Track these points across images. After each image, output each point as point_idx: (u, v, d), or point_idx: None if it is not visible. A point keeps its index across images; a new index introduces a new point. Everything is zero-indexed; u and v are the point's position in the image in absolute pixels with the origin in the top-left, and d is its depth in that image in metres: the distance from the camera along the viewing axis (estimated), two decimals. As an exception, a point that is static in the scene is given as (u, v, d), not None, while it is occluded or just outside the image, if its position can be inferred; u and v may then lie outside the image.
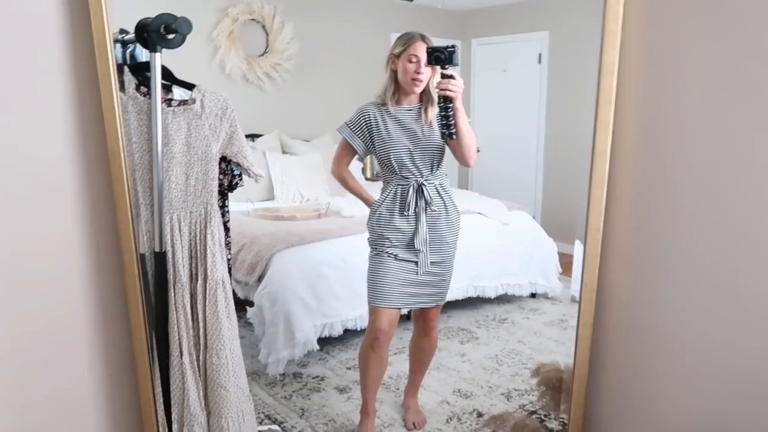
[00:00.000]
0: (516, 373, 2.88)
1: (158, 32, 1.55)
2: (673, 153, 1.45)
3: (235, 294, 2.58)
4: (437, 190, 2.15)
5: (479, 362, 2.99)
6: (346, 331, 3.01)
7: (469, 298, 3.58)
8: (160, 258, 1.67)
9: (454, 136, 1.97)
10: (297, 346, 2.80)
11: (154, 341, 1.65)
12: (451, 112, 1.93)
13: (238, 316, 1.83)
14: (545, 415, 2.47)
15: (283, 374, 2.83)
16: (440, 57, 1.90)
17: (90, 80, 1.46)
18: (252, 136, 4.27)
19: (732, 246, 1.40)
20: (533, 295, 3.94)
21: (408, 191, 2.11)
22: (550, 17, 5.05)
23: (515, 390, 2.70)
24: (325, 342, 3.03)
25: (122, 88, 1.60)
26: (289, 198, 4.12)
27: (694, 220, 1.44)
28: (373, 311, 2.16)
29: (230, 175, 1.82)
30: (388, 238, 2.14)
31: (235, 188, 1.84)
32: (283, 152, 4.45)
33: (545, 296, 3.95)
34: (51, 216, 1.48)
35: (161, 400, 1.69)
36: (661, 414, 1.55)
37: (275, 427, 2.34)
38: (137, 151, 1.64)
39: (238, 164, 1.80)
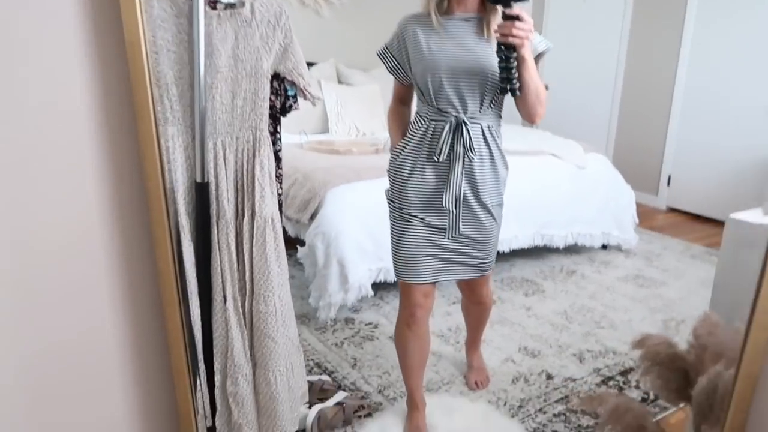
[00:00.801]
0: (588, 332, 2.61)
1: None
2: None
3: (285, 232, 2.37)
4: (483, 135, 1.67)
5: (546, 318, 2.74)
6: (402, 276, 2.79)
7: (535, 247, 3.29)
8: (202, 189, 1.45)
9: (518, 93, 1.54)
10: (350, 291, 2.60)
11: (196, 285, 1.45)
12: (514, 64, 1.49)
13: (287, 255, 1.61)
14: (624, 382, 2.21)
15: (335, 319, 2.65)
16: None
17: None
18: (306, 64, 3.99)
19: None
20: (604, 247, 3.62)
21: (443, 129, 1.64)
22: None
23: (588, 351, 2.44)
24: (379, 287, 2.82)
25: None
26: (345, 131, 3.86)
27: None
28: (403, 285, 1.80)
29: (283, 96, 1.56)
30: (410, 192, 1.72)
31: (288, 111, 1.58)
32: (339, 82, 4.17)
33: (618, 248, 3.62)
34: (61, 130, 1.18)
35: (201, 347, 1.51)
36: None
37: (326, 377, 2.16)
38: (177, 63, 1.39)
39: (292, 83, 1.55)
